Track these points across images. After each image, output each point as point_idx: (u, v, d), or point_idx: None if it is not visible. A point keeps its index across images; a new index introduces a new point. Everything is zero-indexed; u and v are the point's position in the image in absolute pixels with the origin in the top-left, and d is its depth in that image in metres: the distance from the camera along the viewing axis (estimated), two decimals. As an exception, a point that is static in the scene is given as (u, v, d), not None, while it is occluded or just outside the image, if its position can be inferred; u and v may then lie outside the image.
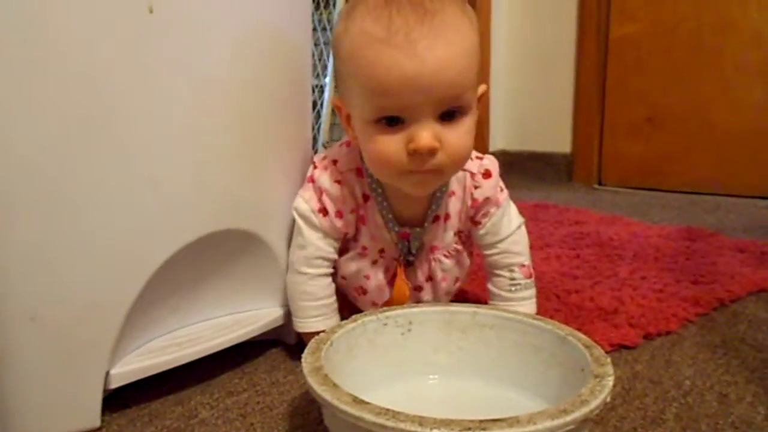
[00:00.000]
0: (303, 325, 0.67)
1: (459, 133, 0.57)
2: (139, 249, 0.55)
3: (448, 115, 0.56)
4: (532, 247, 1.11)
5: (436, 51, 0.53)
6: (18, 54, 0.46)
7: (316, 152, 0.72)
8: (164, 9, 0.53)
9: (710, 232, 1.21)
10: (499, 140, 2.14)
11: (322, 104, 1.91)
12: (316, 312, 0.66)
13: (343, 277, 0.70)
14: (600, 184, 1.98)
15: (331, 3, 2.02)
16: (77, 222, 0.50)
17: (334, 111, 0.64)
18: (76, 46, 0.48)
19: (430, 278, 0.71)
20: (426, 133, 0.55)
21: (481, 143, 2.04)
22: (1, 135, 0.46)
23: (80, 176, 0.50)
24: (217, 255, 0.64)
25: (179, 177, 0.56)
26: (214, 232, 0.60)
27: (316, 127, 1.86)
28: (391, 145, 0.57)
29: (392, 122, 0.56)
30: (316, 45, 1.98)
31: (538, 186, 1.95)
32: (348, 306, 0.73)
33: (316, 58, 1.95)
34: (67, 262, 0.50)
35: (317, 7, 2.05)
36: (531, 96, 2.09)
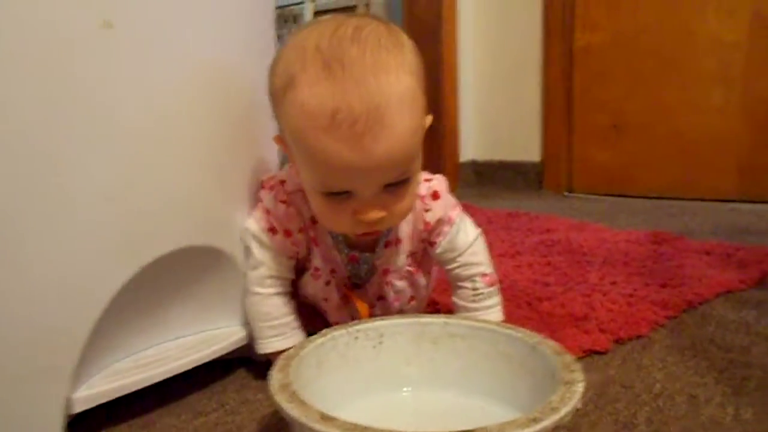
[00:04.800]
0: (262, 346, 0.66)
1: (404, 198, 0.59)
2: (98, 269, 0.53)
3: (394, 184, 0.57)
4: (504, 255, 1.13)
5: (380, 143, 0.52)
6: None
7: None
8: (123, 24, 0.52)
9: (676, 236, 1.23)
10: (469, 151, 2.15)
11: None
12: (273, 332, 0.65)
13: (306, 297, 0.70)
14: (570, 191, 2.00)
15: (300, 18, 2.02)
16: (30, 241, 0.49)
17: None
18: (29, 57, 0.47)
19: (382, 298, 0.71)
20: (373, 209, 0.57)
21: (451, 154, 2.05)
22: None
23: (34, 195, 0.48)
24: (182, 273, 0.63)
25: (139, 193, 0.55)
26: (178, 250, 0.59)
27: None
28: (337, 213, 0.58)
29: (338, 193, 0.57)
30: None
31: (510, 195, 1.96)
32: (322, 320, 0.72)
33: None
34: (21, 285, 0.49)
35: (285, 21, 2.05)
36: (500, 106, 2.11)
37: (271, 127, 0.68)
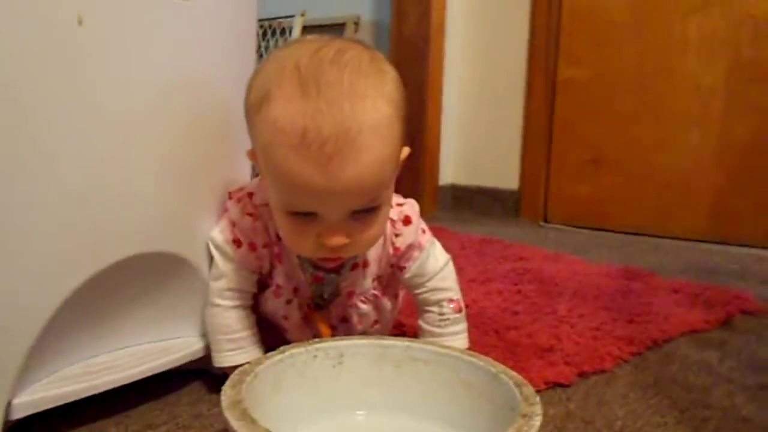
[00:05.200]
0: (220, 359, 0.64)
1: (371, 227, 0.57)
2: (53, 269, 0.51)
3: (363, 211, 0.56)
4: (475, 280, 1.13)
5: (348, 168, 0.51)
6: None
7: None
8: (95, 22, 0.50)
9: (647, 272, 1.24)
10: (449, 174, 2.15)
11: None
12: (231, 345, 0.64)
13: (266, 314, 0.69)
14: (546, 221, 2.01)
15: (288, 31, 2.02)
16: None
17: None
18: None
19: (345, 320, 0.70)
20: (337, 235, 0.55)
21: (431, 176, 2.05)
22: None
23: (-8, 189, 0.47)
24: (142, 279, 0.61)
25: (104, 195, 0.54)
26: (140, 255, 0.58)
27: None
28: (301, 234, 0.57)
29: (304, 214, 0.56)
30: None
31: (486, 220, 1.97)
32: (282, 337, 0.71)
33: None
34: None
35: (273, 34, 2.05)
36: (481, 132, 2.12)
37: (245, 140, 0.68)
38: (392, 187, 0.59)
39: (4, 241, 0.48)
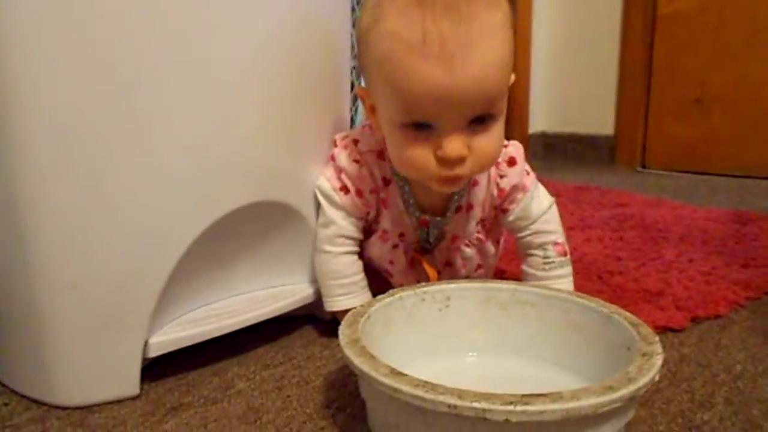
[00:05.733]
0: (330, 304, 0.66)
1: (489, 139, 0.56)
2: (176, 219, 0.55)
3: (479, 121, 0.55)
4: (573, 228, 1.10)
5: (470, 65, 0.51)
6: (49, 26, 0.46)
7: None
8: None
9: (761, 216, 1.17)
10: (539, 122, 2.09)
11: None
12: (342, 290, 0.66)
13: (370, 259, 0.70)
14: (643, 167, 1.92)
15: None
16: (115, 190, 0.50)
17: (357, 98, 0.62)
18: (107, 12, 0.48)
19: (449, 264, 0.70)
20: (456, 143, 0.54)
21: (520, 125, 2.00)
22: (38, 104, 0.47)
23: (118, 145, 0.50)
24: (254, 228, 0.64)
25: (217, 147, 0.56)
26: (252, 204, 0.60)
27: (353, 108, 1.84)
28: (419, 150, 0.56)
29: (421, 127, 0.55)
30: (354, 25, 1.96)
31: (579, 169, 1.90)
32: (386, 283, 0.72)
33: (354, 38, 1.93)
34: (105, 231, 0.51)
35: (355, -14, 2.03)
36: (573, 76, 2.03)
37: (346, 86, 0.68)
38: (506, 100, 0.58)
39: (133, 197, 0.51)
